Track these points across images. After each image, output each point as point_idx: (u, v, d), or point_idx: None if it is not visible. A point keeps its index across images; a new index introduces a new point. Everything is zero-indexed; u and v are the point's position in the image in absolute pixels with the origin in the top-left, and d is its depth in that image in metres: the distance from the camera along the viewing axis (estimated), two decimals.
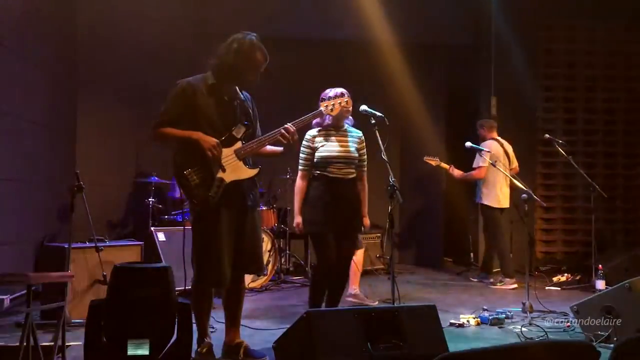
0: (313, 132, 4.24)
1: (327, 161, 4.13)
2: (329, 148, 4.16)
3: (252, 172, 3.46)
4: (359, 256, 5.60)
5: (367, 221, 4.38)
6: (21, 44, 5.11)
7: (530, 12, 8.18)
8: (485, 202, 6.77)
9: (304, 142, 4.21)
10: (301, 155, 4.23)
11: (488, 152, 6.48)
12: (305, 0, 7.79)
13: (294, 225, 4.23)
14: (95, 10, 6.67)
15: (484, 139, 6.92)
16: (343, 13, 7.72)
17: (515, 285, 6.47)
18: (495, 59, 8.03)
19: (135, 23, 7.02)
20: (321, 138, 4.19)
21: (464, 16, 8.23)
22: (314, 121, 4.18)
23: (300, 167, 4.25)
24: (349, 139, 4.24)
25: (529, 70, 8.13)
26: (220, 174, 3.34)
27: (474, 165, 6.77)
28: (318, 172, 4.16)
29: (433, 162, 6.83)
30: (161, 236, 5.32)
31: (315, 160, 4.17)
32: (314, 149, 4.18)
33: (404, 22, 7.83)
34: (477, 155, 6.72)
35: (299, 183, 4.23)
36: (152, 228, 5.43)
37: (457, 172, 6.87)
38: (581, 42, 8.38)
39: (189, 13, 7.59)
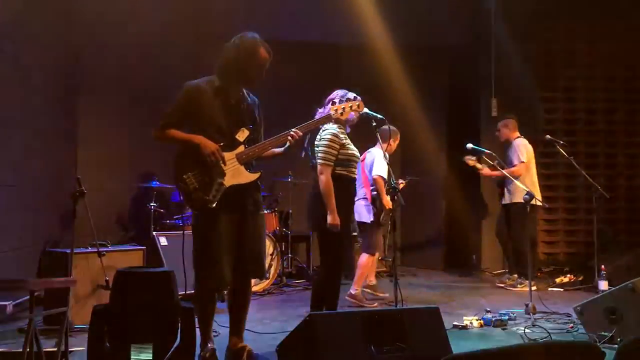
0: (335, 127, 4.04)
1: (351, 160, 4.04)
2: (352, 147, 4.07)
3: (253, 177, 3.44)
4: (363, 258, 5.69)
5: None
6: (22, 50, 5.12)
7: (530, 13, 8.19)
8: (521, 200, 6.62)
9: (331, 137, 3.98)
10: (329, 149, 3.95)
11: (490, 153, 6.47)
12: (305, 3, 7.80)
13: (333, 224, 3.87)
14: (95, 14, 6.68)
15: (508, 139, 6.84)
16: (342, 16, 7.73)
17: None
18: (496, 60, 8.03)
19: (135, 26, 7.03)
20: (344, 135, 4.06)
21: (463, 17, 8.24)
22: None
23: (326, 162, 3.94)
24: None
25: (529, 71, 8.14)
26: (219, 178, 3.34)
27: (515, 162, 6.60)
28: (344, 171, 3.99)
29: (471, 161, 6.64)
30: (163, 240, 5.32)
31: (341, 157, 3.98)
32: (341, 145, 3.99)
33: (404, 24, 7.84)
34: (515, 151, 6.59)
35: (329, 179, 3.91)
36: (154, 232, 5.43)
37: (487, 172, 6.67)
38: (581, 43, 8.39)
39: (189, 15, 7.60)
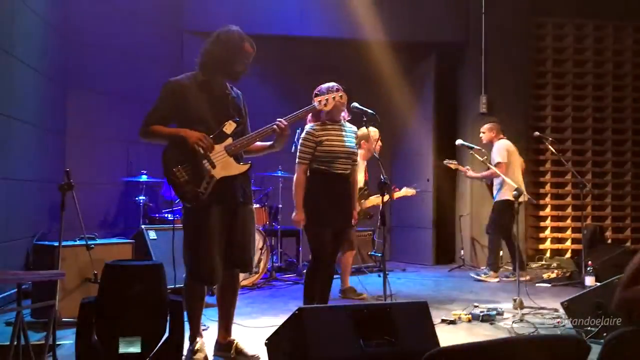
0: (313, 125, 4.11)
1: (333, 155, 4.04)
2: (334, 142, 4.07)
3: (243, 168, 3.44)
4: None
5: (356, 215, 4.39)
6: (11, 45, 5.07)
7: (520, 11, 8.24)
8: (509, 197, 6.75)
9: (305, 135, 4.09)
10: (302, 148, 4.08)
11: (479, 149, 6.51)
12: None
13: (295, 220, 4.08)
14: (85, 10, 6.63)
15: (491, 141, 6.98)
16: (332, 11, 7.74)
17: (498, 279, 6.73)
18: (486, 57, 8.07)
19: (124, 22, 7.00)
20: (323, 132, 4.07)
21: (454, 14, 8.27)
22: (309, 116, 4.11)
23: (300, 161, 4.09)
24: (347, 133, 4.19)
25: (518, 68, 8.18)
26: (210, 170, 3.33)
27: (494, 162, 6.73)
28: (322, 167, 4.05)
29: (452, 165, 6.86)
30: (152, 234, 5.30)
31: (318, 154, 4.05)
32: (318, 142, 4.04)
33: (395, 20, 7.87)
34: (494, 152, 6.76)
35: (300, 177, 4.07)
36: (143, 226, 5.41)
37: (472, 174, 6.93)
38: (570, 40, 8.44)
39: (178, 12, 7.58)
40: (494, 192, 6.94)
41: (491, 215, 6.94)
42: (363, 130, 4.96)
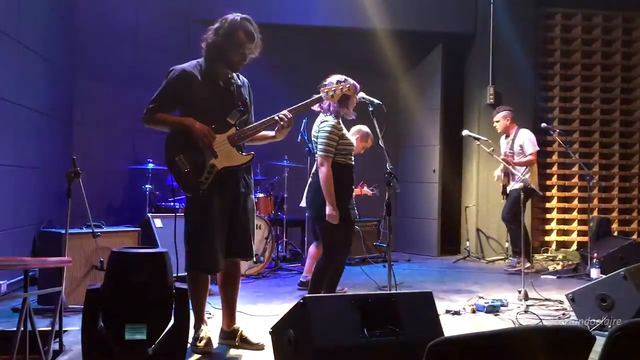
0: (334, 119, 3.97)
1: (350, 148, 4.03)
2: (350, 136, 4.07)
3: (246, 159, 3.42)
4: None
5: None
6: (18, 31, 5.08)
7: (528, 1, 8.17)
8: (533, 186, 6.64)
9: (331, 129, 3.90)
10: (328, 141, 3.89)
11: (486, 140, 6.47)
12: None
13: (332, 216, 3.84)
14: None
15: (507, 130, 6.85)
16: (340, 0, 7.70)
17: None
18: (493, 47, 8.02)
19: (131, 11, 6.99)
20: (341, 125, 4.01)
21: (462, 4, 8.21)
22: (332, 109, 3.97)
23: (328, 154, 3.88)
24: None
25: (526, 58, 8.12)
26: (212, 160, 3.32)
27: (529, 152, 6.65)
28: (342, 159, 3.96)
29: (500, 176, 6.78)
30: (158, 222, 5.32)
31: (341, 147, 3.94)
32: (340, 136, 3.94)
33: (402, 9, 7.82)
34: (528, 141, 6.66)
35: (330, 171, 3.87)
36: (149, 214, 5.42)
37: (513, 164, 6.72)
38: (578, 31, 8.38)
39: (186, 0, 7.56)
40: (512, 181, 6.71)
41: (511, 203, 6.65)
42: (364, 128, 4.97)
